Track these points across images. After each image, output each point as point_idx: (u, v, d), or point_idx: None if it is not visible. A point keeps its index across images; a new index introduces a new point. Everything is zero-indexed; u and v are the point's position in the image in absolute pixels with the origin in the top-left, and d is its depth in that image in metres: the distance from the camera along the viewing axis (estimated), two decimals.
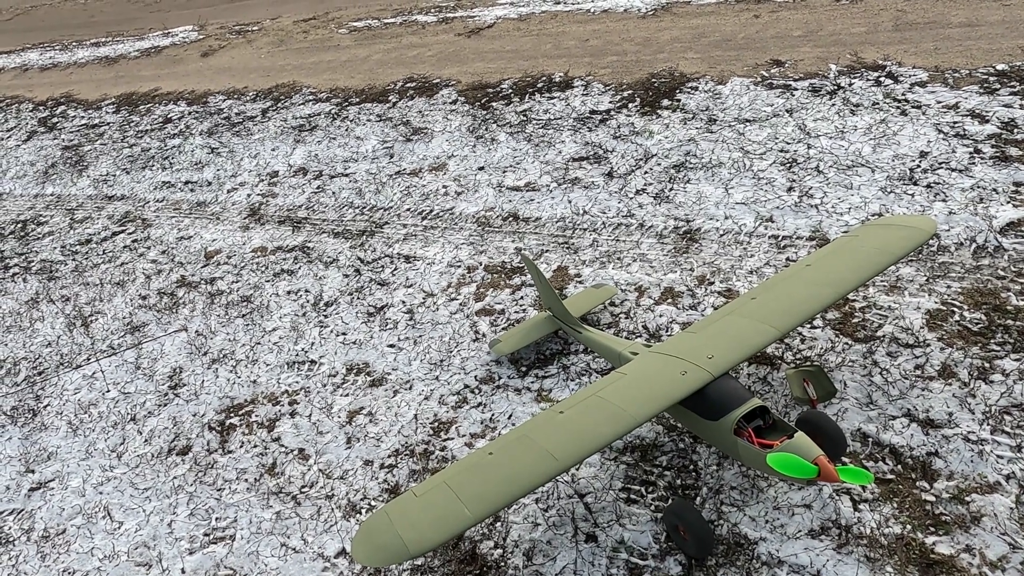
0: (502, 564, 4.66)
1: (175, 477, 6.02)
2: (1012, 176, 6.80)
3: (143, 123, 14.31)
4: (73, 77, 19.05)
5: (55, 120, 15.92)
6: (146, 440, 6.50)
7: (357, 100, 12.56)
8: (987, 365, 5.09)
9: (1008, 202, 6.51)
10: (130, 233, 10.34)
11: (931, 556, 4.09)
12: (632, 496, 4.86)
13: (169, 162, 12.19)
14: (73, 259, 10.02)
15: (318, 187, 10.14)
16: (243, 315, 7.85)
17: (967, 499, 4.31)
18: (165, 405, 6.85)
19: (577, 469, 5.09)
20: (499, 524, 4.90)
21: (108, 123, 14.87)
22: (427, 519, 4.04)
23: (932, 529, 4.22)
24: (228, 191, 10.73)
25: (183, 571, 5.21)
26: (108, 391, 7.24)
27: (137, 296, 8.69)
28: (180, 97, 15.13)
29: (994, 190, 6.69)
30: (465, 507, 4.02)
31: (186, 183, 11.34)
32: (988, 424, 4.69)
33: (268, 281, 8.34)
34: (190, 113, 14.12)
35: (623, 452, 5.17)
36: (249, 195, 10.44)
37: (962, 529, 4.18)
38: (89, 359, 7.80)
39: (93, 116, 15.51)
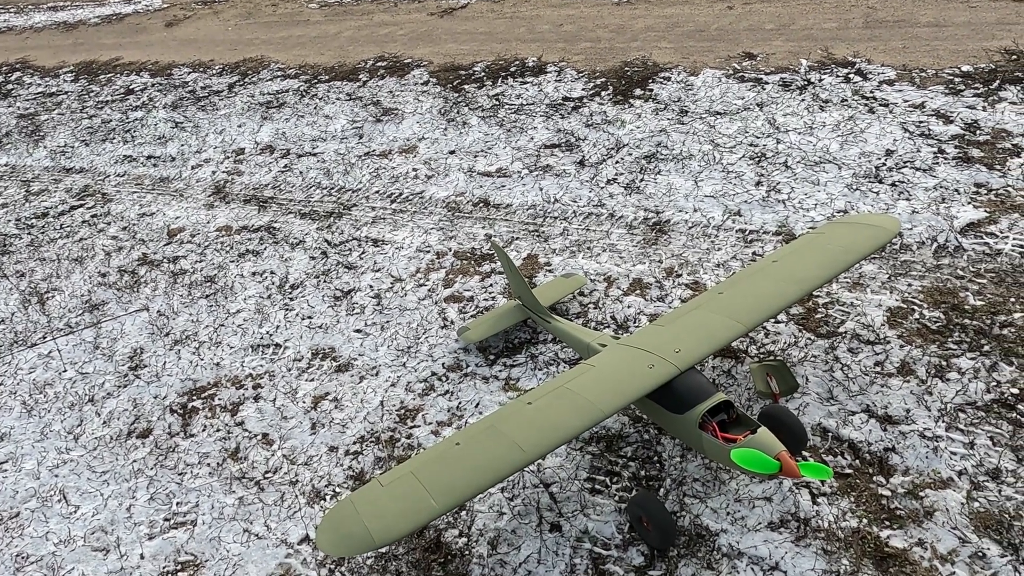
0: (467, 552, 4.68)
1: (135, 460, 5.91)
2: (973, 177, 6.96)
3: (103, 93, 13.90)
4: (29, 42, 18.40)
5: (10, 87, 15.37)
6: (105, 422, 6.36)
7: (326, 78, 12.35)
8: (944, 363, 5.22)
9: (969, 203, 6.66)
10: (89, 208, 10.06)
11: (885, 549, 4.20)
12: (597, 487, 4.91)
13: (131, 135, 11.86)
14: (28, 233, 9.73)
15: (285, 166, 9.97)
16: (207, 296, 7.70)
17: (921, 494, 4.44)
18: (125, 386, 6.71)
19: (543, 459, 5.11)
20: (464, 513, 4.92)
21: (66, 92, 14.42)
22: (393, 509, 4.02)
23: (887, 523, 4.34)
24: (192, 167, 10.49)
25: (142, 556, 5.13)
26: (65, 371, 7.07)
27: (96, 273, 8.47)
28: (143, 68, 14.73)
29: (956, 190, 6.84)
30: (432, 498, 4.01)
31: (148, 158, 11.06)
32: (943, 421, 4.83)
33: (233, 261, 8.19)
34: (153, 85, 13.75)
35: (588, 443, 5.21)
36: (214, 172, 10.22)
37: (915, 523, 4.31)
38: (45, 337, 7.59)
39: (50, 84, 15.02)
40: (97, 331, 7.52)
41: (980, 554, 4.10)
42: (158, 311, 7.62)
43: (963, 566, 4.08)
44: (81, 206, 10.14)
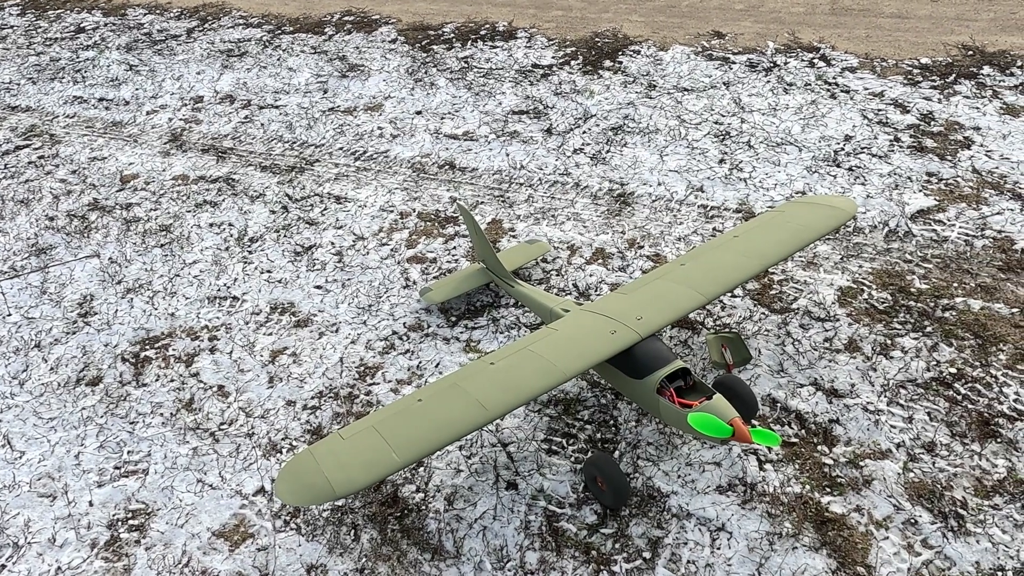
0: (423, 508, 4.74)
1: (84, 408, 5.79)
2: (926, 166, 7.20)
3: (52, 30, 13.29)
4: None
5: None
6: (52, 368, 6.20)
7: (291, 29, 12.04)
8: (889, 342, 5.45)
9: (920, 191, 6.91)
10: (36, 148, 9.66)
11: (825, 514, 4.42)
12: (553, 448, 5.02)
13: (82, 75, 11.39)
14: None
15: (246, 117, 9.73)
16: (161, 245, 7.52)
17: (861, 464, 4.66)
18: (74, 333, 6.54)
19: (502, 419, 5.19)
20: (422, 470, 4.97)
21: (11, 26, 13.73)
22: (354, 461, 4.05)
23: (828, 490, 4.55)
24: (148, 113, 10.14)
25: (91, 503, 5.06)
26: (9, 315, 6.85)
27: (44, 216, 8.18)
28: (94, 6, 14.10)
29: (909, 178, 7.08)
30: (393, 451, 4.06)
31: (100, 100, 10.64)
32: (885, 396, 5.06)
33: (189, 211, 8.00)
34: (106, 25, 13.19)
35: (547, 405, 5.30)
36: (171, 119, 9.91)
37: (854, 491, 4.53)
38: None
39: None
40: (44, 276, 7.28)
41: (912, 521, 4.34)
42: (109, 258, 7.41)
43: (896, 532, 4.31)
44: (27, 146, 9.73)
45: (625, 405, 5.22)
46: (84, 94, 10.88)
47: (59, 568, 4.67)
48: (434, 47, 10.77)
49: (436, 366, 5.77)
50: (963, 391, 5.04)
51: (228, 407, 5.65)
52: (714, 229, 6.79)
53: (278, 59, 11.02)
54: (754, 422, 4.92)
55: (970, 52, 9.00)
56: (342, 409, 5.52)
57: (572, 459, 4.92)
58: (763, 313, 5.85)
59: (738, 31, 10.20)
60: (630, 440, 4.98)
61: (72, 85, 11.18)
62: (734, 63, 9.38)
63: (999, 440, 4.71)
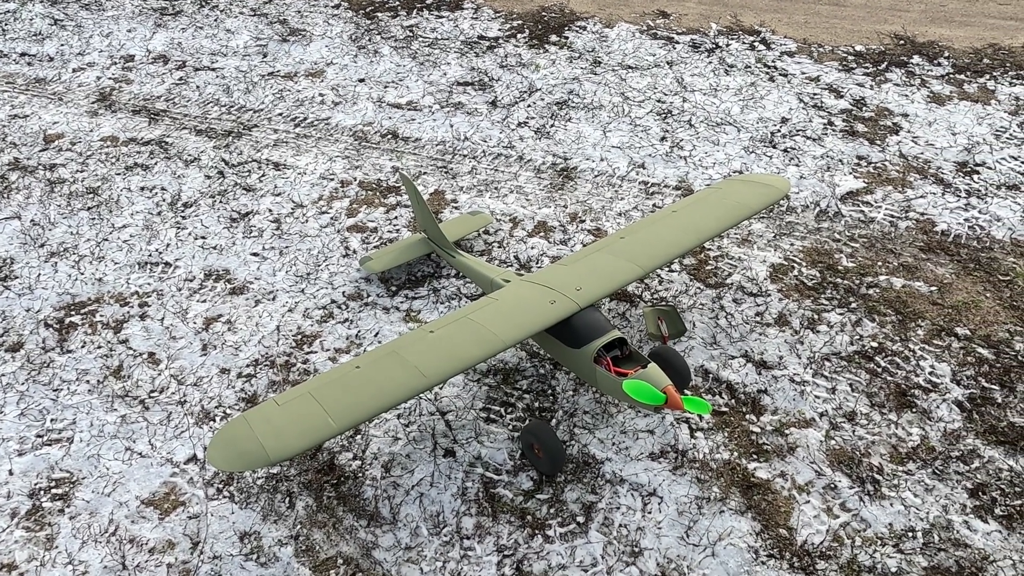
0: (360, 475, 4.73)
1: (3, 375, 5.56)
2: (856, 150, 7.45)
3: None
4: None
5: None
6: None
7: None
8: (816, 317, 5.66)
9: (850, 173, 7.15)
10: None
11: (751, 480, 4.59)
12: (492, 416, 5.06)
13: (1, 28, 10.76)
14: None
15: (180, 78, 9.37)
16: (88, 208, 7.22)
17: (786, 432, 4.85)
18: None
19: (440, 388, 5.20)
20: (359, 437, 4.96)
21: None
22: (290, 428, 4.01)
23: (755, 456, 4.72)
24: (74, 70, 9.66)
25: (11, 472, 4.88)
26: None
27: None
28: None
29: (840, 161, 7.32)
30: (330, 417, 4.03)
31: (22, 55, 10.09)
32: (811, 368, 5.26)
33: (119, 174, 7.69)
34: None
35: (486, 374, 5.34)
36: (99, 78, 9.47)
37: (779, 457, 4.72)
38: None
39: None
40: None
41: (832, 486, 4.55)
42: (31, 220, 7.08)
43: (817, 496, 4.51)
44: None
45: (563, 375, 5.29)
46: (4, 48, 10.29)
47: None
48: (378, 14, 10.56)
49: (375, 335, 5.73)
50: (883, 364, 5.28)
51: (159, 375, 5.50)
52: (654, 205, 6.90)
53: (215, 20, 10.63)
54: (687, 392, 5.05)
55: (901, 41, 9.32)
56: (278, 377, 5.44)
57: (510, 427, 4.98)
58: (698, 287, 5.99)
59: (682, 11, 10.30)
60: (567, 409, 5.06)
61: None
62: (678, 43, 9.49)
63: (914, 410, 4.96)
